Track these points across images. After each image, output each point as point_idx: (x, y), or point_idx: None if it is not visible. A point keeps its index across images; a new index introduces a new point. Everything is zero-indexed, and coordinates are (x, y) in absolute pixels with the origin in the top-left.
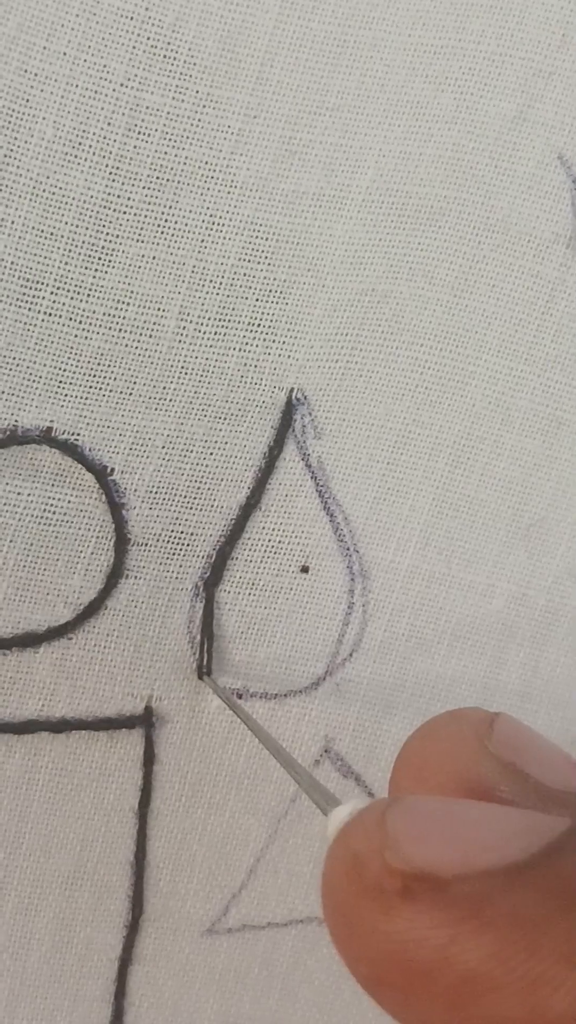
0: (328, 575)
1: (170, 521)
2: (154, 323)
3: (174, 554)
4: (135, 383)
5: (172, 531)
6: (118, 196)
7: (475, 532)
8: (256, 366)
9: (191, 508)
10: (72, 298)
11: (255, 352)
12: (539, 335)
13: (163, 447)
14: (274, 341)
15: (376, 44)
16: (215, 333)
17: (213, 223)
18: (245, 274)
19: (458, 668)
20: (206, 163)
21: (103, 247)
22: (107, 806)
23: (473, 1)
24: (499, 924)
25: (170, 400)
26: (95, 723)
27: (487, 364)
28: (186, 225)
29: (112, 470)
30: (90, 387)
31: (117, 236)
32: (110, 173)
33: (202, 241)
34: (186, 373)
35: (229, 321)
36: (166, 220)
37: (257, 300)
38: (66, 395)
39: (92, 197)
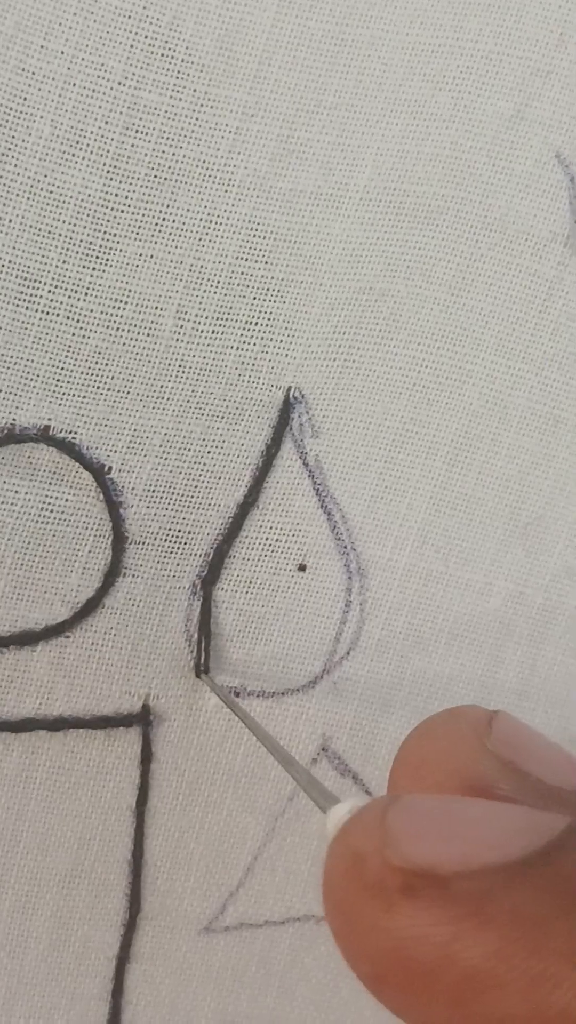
0: (325, 573)
1: (168, 519)
2: (152, 322)
3: (172, 552)
4: (133, 382)
5: (170, 529)
6: (116, 195)
7: (473, 530)
8: (254, 365)
9: (189, 506)
10: (70, 297)
11: (253, 351)
12: (537, 334)
13: (161, 445)
14: (272, 340)
15: (374, 43)
16: (213, 332)
17: (211, 222)
18: (243, 273)
19: (456, 666)
20: (204, 162)
21: (101, 246)
22: (104, 804)
23: (471, 0)
24: (500, 922)
25: (168, 399)
26: (92, 721)
27: (485, 363)
28: (184, 224)
29: (110, 468)
30: (88, 385)
31: (115, 235)
32: (108, 172)
33: (200, 240)
34: (184, 372)
35: (227, 320)
36: (164, 219)
37: (255, 299)
38: (64, 393)
39: (90, 196)
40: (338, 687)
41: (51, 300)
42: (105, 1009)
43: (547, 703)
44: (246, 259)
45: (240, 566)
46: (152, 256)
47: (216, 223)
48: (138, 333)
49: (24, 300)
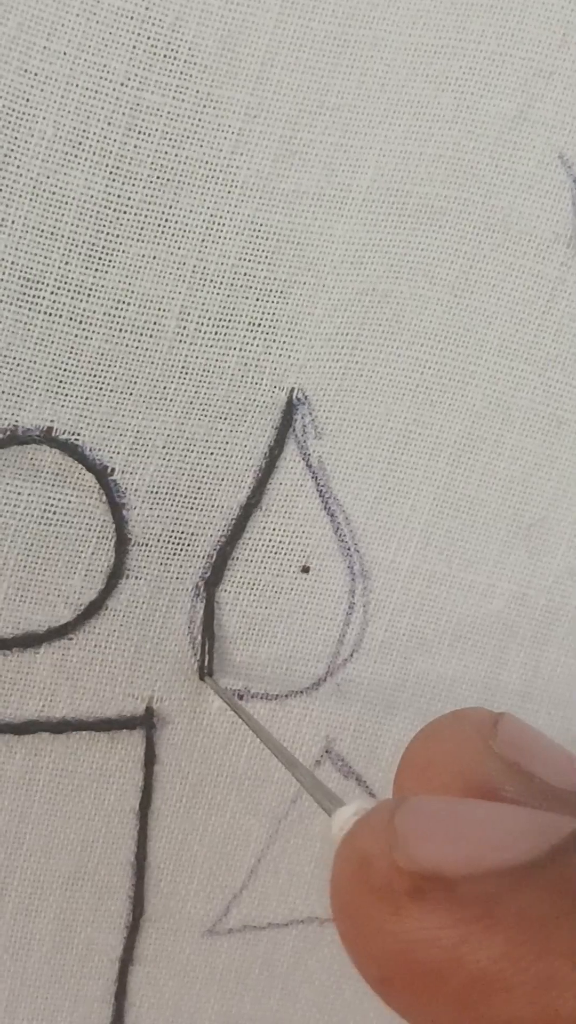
0: (329, 575)
1: (171, 521)
2: (155, 323)
3: (175, 554)
4: (136, 383)
5: (173, 531)
6: (118, 196)
7: (476, 532)
8: (257, 366)
9: (192, 508)
10: (72, 298)
11: (256, 352)
12: (540, 335)
13: (164, 447)
14: (275, 341)
15: (376, 44)
16: (216, 333)
17: (214, 223)
18: (246, 274)
19: (459, 668)
20: (206, 163)
21: (103, 247)
22: (108, 807)
23: (473, 1)
24: (508, 924)
25: (171, 400)
26: (96, 724)
27: (488, 364)
28: (187, 225)
29: (112, 470)
30: (90, 387)
31: (117, 236)
32: (110, 173)
33: (203, 241)
34: (187, 373)
35: (230, 321)
36: (166, 220)
37: (258, 300)
38: (66, 395)
39: (92, 197)
40: (342, 689)
41: (54, 301)
42: (108, 1011)
43: (550, 704)
44: (249, 260)
45: (243, 568)
46: (155, 257)
47: (219, 224)
48: (141, 334)
49: (27, 301)
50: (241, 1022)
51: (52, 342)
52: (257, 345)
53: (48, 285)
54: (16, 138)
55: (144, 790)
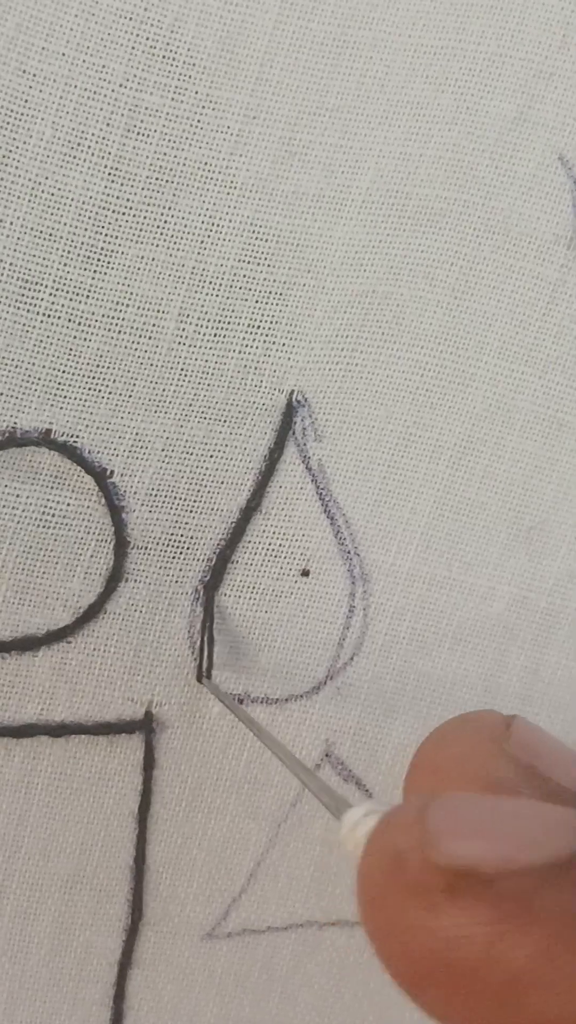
0: (329, 578)
1: (170, 524)
2: (153, 325)
3: (174, 557)
4: (134, 385)
5: (172, 534)
6: (117, 197)
7: (476, 535)
8: (256, 368)
9: (191, 511)
10: (71, 299)
11: (255, 354)
12: (540, 337)
13: (163, 450)
14: (274, 343)
15: (376, 45)
16: (215, 335)
17: (212, 224)
18: (245, 276)
19: (459, 671)
20: (205, 164)
21: (102, 248)
22: (106, 810)
23: (473, 2)
24: (546, 921)
25: (170, 402)
26: (95, 727)
27: (488, 366)
28: (185, 226)
29: (112, 472)
30: (89, 389)
31: (116, 237)
32: (109, 174)
33: (201, 242)
34: (186, 375)
35: (229, 323)
36: (165, 221)
37: (257, 302)
38: (65, 397)
39: (91, 198)
40: (342, 692)
41: (52, 303)
42: (107, 1015)
43: (551, 707)
44: (248, 262)
45: (243, 571)
46: (154, 259)
47: (218, 226)
48: (140, 336)
49: (25, 303)
50: None
51: (51, 344)
52: (256, 347)
53: (47, 287)
54: (14, 139)
55: (143, 794)
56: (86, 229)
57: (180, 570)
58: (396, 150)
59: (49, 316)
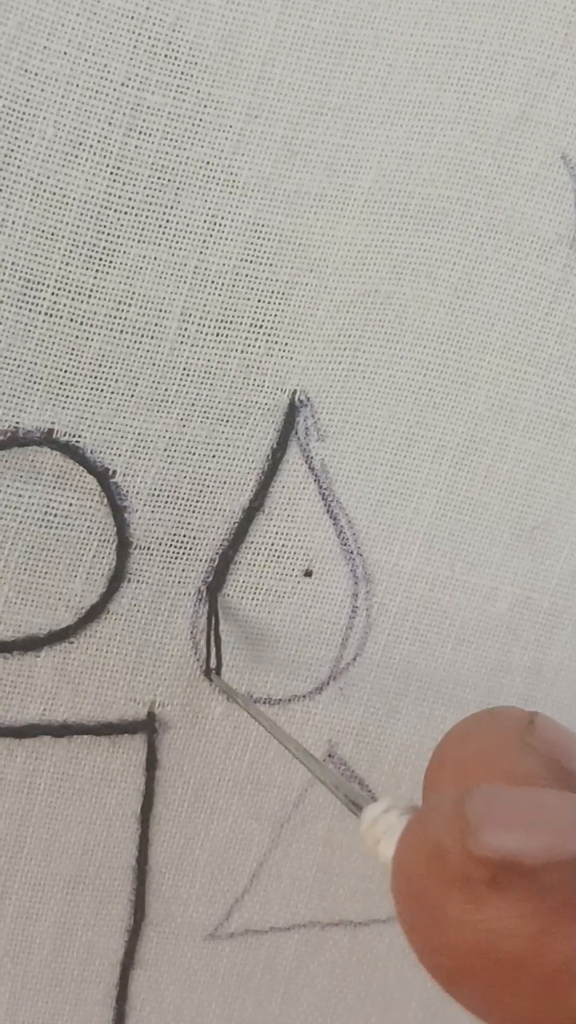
0: (332, 579)
1: (172, 524)
2: (156, 324)
3: (177, 558)
4: (137, 385)
5: (175, 534)
6: (119, 196)
7: (479, 535)
8: (259, 368)
9: (194, 511)
10: (73, 299)
11: (257, 354)
12: (543, 336)
13: (165, 449)
14: (277, 343)
15: (378, 44)
16: (217, 335)
17: (215, 224)
18: (247, 275)
19: (462, 671)
20: (208, 163)
21: (104, 248)
22: (109, 811)
23: (475, 1)
24: None
25: (172, 402)
26: (97, 728)
27: (490, 366)
28: (188, 226)
29: (114, 472)
30: (91, 389)
31: (118, 237)
32: (111, 173)
33: (204, 242)
34: (188, 375)
35: (231, 322)
36: (167, 221)
37: (259, 301)
38: (67, 397)
39: (93, 197)
40: (344, 693)
41: (54, 302)
42: (109, 1015)
43: (553, 707)
44: (250, 261)
45: (246, 572)
46: (156, 258)
47: (220, 225)
48: (142, 336)
49: (27, 302)
50: None
51: (53, 343)
52: (259, 347)
53: (49, 286)
54: (16, 138)
55: (145, 794)
56: (88, 228)
57: (183, 570)
58: (398, 149)
59: (51, 315)
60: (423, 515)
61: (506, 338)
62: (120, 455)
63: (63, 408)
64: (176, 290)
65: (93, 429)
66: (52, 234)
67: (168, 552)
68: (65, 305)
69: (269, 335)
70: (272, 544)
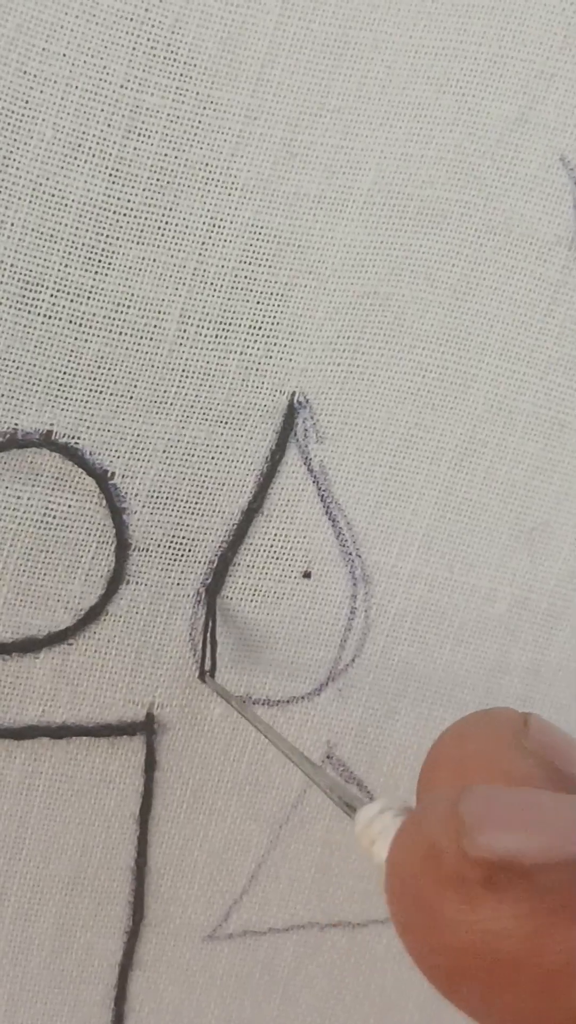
0: (330, 580)
1: (171, 526)
2: (155, 326)
3: (176, 559)
4: (136, 386)
5: (173, 536)
6: (118, 198)
7: (478, 536)
8: (257, 369)
9: (193, 513)
10: (72, 301)
11: (256, 355)
12: (542, 338)
13: (164, 451)
14: (275, 344)
15: (377, 46)
16: (216, 336)
17: (214, 225)
18: (246, 277)
19: (461, 672)
20: (206, 165)
21: (103, 249)
22: (108, 812)
23: (474, 3)
24: None
25: (171, 404)
26: (96, 729)
27: (490, 367)
28: (187, 227)
29: (113, 474)
30: (90, 390)
31: (117, 238)
32: (110, 175)
33: (203, 243)
34: (187, 376)
35: (230, 324)
36: (166, 222)
37: (258, 303)
38: (66, 398)
39: (92, 199)
40: (343, 694)
41: (53, 304)
42: (108, 1016)
43: (552, 708)
44: (249, 263)
45: (245, 573)
46: (155, 260)
47: (219, 227)
48: (141, 337)
49: (26, 304)
50: None
51: (52, 345)
52: (258, 349)
53: (48, 288)
54: (15, 140)
55: (144, 796)
56: (87, 230)
57: (181, 572)
58: (397, 151)
59: (50, 317)
60: (422, 516)
61: (505, 339)
62: (119, 457)
63: (62, 409)
64: (175, 292)
65: (92, 431)
66: (51, 236)
67: (167, 554)
68: (64, 306)
69: (268, 337)
70: (271, 546)
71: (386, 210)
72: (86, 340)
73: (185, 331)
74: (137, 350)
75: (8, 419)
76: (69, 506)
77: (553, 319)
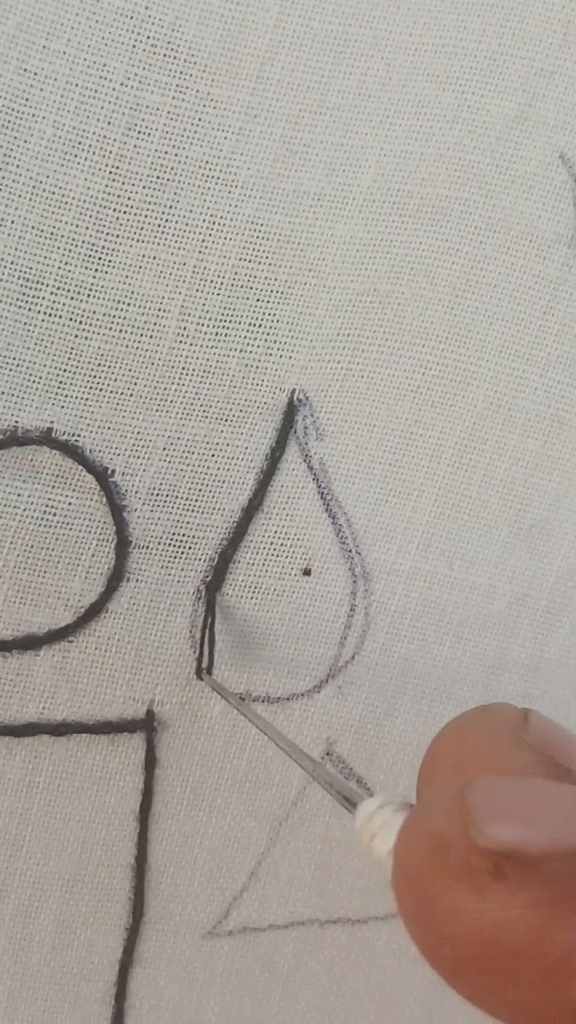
0: (330, 577)
1: (172, 523)
2: (155, 324)
3: (176, 557)
4: (136, 384)
5: (174, 534)
6: (118, 196)
7: (477, 533)
8: (257, 367)
9: (193, 510)
10: (72, 298)
11: (256, 353)
12: (541, 335)
13: (164, 448)
14: (275, 342)
15: (377, 43)
16: (216, 334)
17: (214, 223)
18: (246, 274)
19: (460, 669)
20: (207, 162)
21: (103, 247)
22: (108, 809)
23: (474, 0)
24: None
25: (171, 401)
26: (96, 726)
27: (489, 364)
28: (187, 225)
29: (113, 472)
30: (91, 388)
31: (117, 236)
32: (110, 172)
33: (203, 241)
34: (187, 374)
35: (230, 322)
36: (166, 220)
37: (258, 300)
38: (67, 396)
39: (92, 197)
40: (343, 691)
41: (53, 302)
42: (108, 1013)
43: (551, 705)
44: (249, 260)
45: (245, 571)
46: (155, 257)
47: (219, 224)
48: (141, 335)
49: (26, 302)
50: None
51: (52, 343)
52: (258, 346)
53: (48, 285)
54: (16, 138)
55: (144, 793)
56: (87, 228)
57: (182, 569)
58: (397, 148)
59: (50, 315)
60: (421, 514)
61: (504, 337)
62: (119, 454)
63: (62, 407)
64: (175, 289)
65: (92, 428)
66: (51, 233)
67: (167, 551)
68: (64, 304)
69: (268, 334)
70: (271, 543)
71: (386, 207)
72: (86, 338)
73: (185, 328)
74: (137, 347)
75: (8, 417)
76: (69, 503)
77: (552, 316)
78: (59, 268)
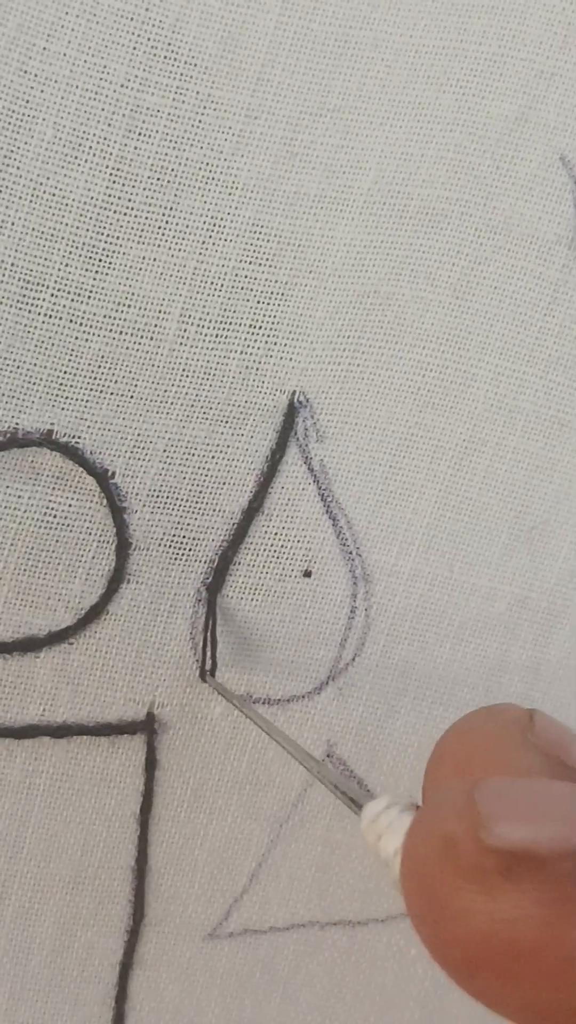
0: (331, 579)
1: (172, 525)
2: (155, 325)
3: (176, 559)
4: (136, 386)
5: (174, 535)
6: (119, 198)
7: (478, 535)
8: (258, 369)
9: (193, 512)
10: (72, 300)
11: (257, 355)
12: (542, 337)
13: (165, 450)
14: (276, 344)
15: (377, 45)
16: (216, 336)
17: (214, 225)
18: (247, 276)
19: (461, 671)
20: (207, 164)
21: (104, 249)
22: (108, 811)
23: (475, 2)
24: None
25: (171, 403)
26: (96, 728)
27: (490, 366)
28: (187, 227)
29: (113, 473)
30: (91, 390)
31: (118, 238)
32: (110, 174)
33: (203, 243)
34: (187, 376)
35: (231, 323)
36: (167, 222)
37: (259, 302)
38: (67, 398)
39: (92, 199)
40: (343, 692)
41: (54, 304)
42: (109, 1015)
43: (552, 706)
44: (250, 262)
45: (245, 572)
46: (155, 259)
47: (219, 226)
48: (141, 337)
49: (27, 304)
50: None
51: (52, 344)
52: (258, 348)
53: (48, 287)
54: (16, 139)
55: (145, 795)
56: (88, 230)
57: (182, 571)
58: (397, 150)
59: (51, 317)
60: (422, 515)
61: (505, 338)
62: (119, 456)
63: (62, 409)
64: (175, 291)
65: (92, 430)
66: (52, 235)
67: (167, 553)
68: (64, 306)
69: (268, 336)
70: (271, 545)
71: (386, 209)
72: (87, 339)
73: (185, 330)
74: (137, 349)
75: (9, 418)
76: (70, 505)
77: (553, 318)
78: (59, 270)
